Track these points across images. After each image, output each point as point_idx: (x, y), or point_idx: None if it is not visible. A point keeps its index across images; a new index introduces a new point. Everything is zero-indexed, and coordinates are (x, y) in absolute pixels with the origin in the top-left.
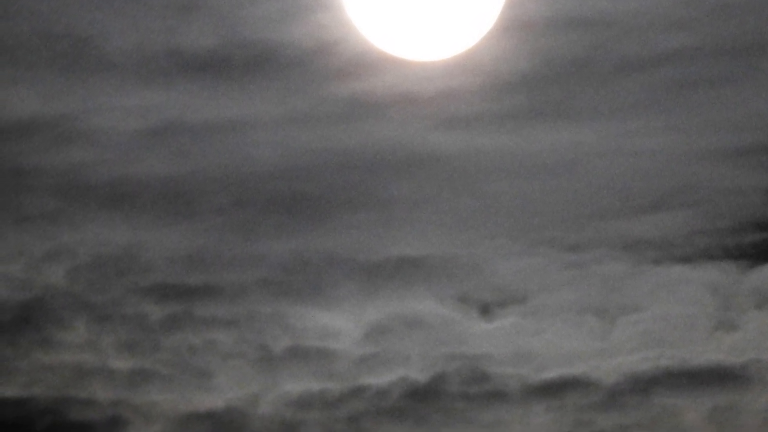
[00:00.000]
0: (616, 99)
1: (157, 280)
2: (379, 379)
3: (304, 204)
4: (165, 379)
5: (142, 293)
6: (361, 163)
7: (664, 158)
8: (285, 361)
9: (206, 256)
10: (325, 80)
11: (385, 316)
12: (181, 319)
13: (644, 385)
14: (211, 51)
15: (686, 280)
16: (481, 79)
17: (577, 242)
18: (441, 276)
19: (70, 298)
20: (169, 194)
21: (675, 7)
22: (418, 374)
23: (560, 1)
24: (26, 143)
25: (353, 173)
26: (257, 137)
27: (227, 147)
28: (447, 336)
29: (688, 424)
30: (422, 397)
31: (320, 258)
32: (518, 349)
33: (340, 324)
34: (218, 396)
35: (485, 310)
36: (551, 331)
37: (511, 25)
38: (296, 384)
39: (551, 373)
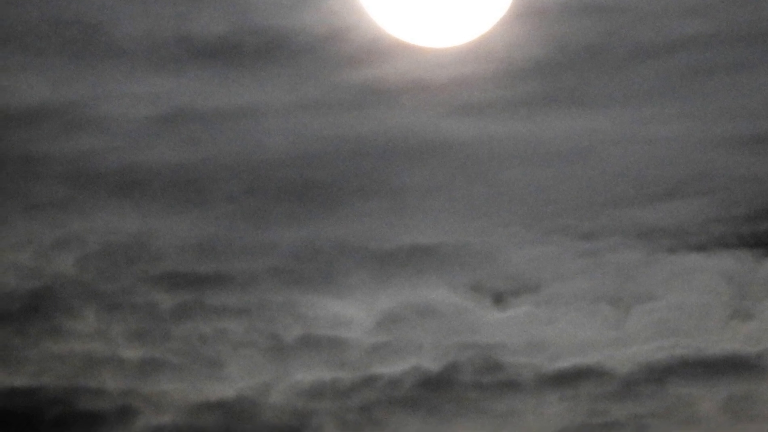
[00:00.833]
0: (631, 86)
1: (167, 268)
2: (391, 368)
3: (316, 192)
4: (175, 369)
5: (152, 282)
6: (373, 151)
7: (679, 145)
8: (296, 350)
9: (217, 244)
10: (337, 67)
11: (398, 305)
12: (191, 308)
13: (659, 374)
14: (221, 37)
15: (701, 269)
16: (494, 65)
17: (591, 230)
18: (454, 264)
19: (80, 286)
20: (180, 182)
21: None
22: (431, 363)
23: None
24: (35, 130)
25: (365, 161)
26: (268, 124)
27: (238, 134)
28: (460, 325)
29: (703, 413)
30: (435, 386)
31: (332, 246)
32: (532, 338)
33: (352, 313)
34: (229, 385)
35: (498, 299)
36: (565, 320)
37: (525, 11)
38: (308, 373)
39: (565, 363)
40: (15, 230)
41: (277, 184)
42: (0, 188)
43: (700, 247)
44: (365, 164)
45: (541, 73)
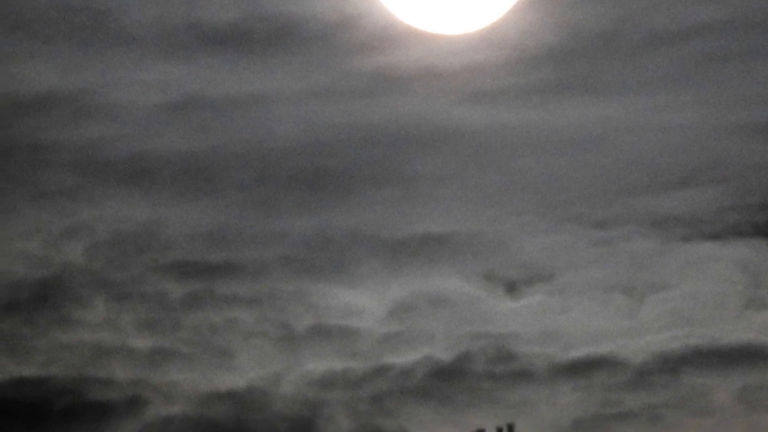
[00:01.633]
0: (645, 73)
1: (177, 257)
2: (403, 358)
3: (327, 180)
4: (185, 359)
5: (162, 271)
6: (385, 139)
7: (693, 133)
8: (307, 339)
9: (227, 233)
10: (349, 54)
11: (409, 294)
12: (201, 297)
13: (673, 364)
14: (232, 24)
15: (716, 258)
16: (506, 52)
17: (604, 219)
18: (466, 253)
19: (89, 275)
20: (190, 170)
21: None
22: (443, 353)
23: None
24: (44, 118)
25: (377, 148)
26: (279, 112)
27: (249, 122)
28: (472, 314)
29: (718, 403)
30: (447, 376)
31: (343, 235)
32: (545, 328)
33: (364, 302)
34: (240, 375)
35: (511, 288)
36: (578, 310)
37: None
38: (319, 363)
39: (578, 353)
40: (23, 219)
41: (288, 172)
42: (8, 176)
43: (715, 236)
44: (377, 152)
45: (554, 60)
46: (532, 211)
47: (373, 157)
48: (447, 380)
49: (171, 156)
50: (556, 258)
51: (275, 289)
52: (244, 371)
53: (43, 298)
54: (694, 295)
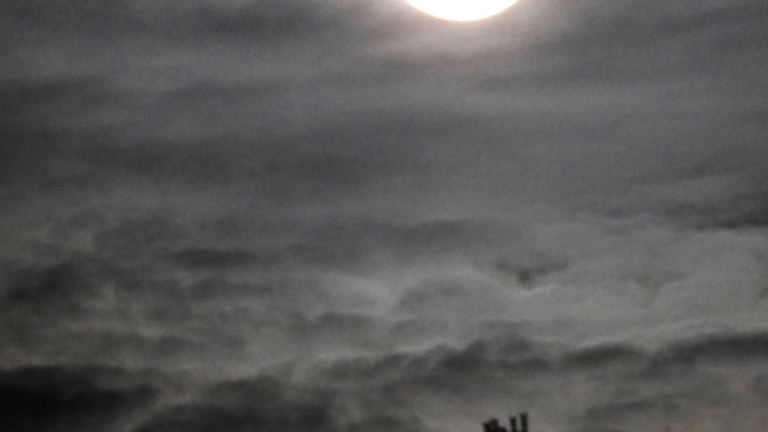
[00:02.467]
0: (659, 60)
1: (187, 245)
2: (416, 347)
3: (339, 168)
4: (196, 348)
5: (172, 259)
6: (397, 126)
7: (708, 120)
8: (319, 329)
9: (238, 221)
10: (360, 41)
11: (422, 283)
12: (212, 286)
13: (688, 353)
14: (243, 10)
15: (731, 246)
16: (519, 39)
17: (618, 207)
18: (479, 241)
19: (99, 264)
20: (200, 158)
21: None
22: (456, 342)
23: None
24: (53, 105)
25: (389, 136)
26: (290, 99)
27: (260, 109)
28: (485, 303)
29: (733, 393)
30: (460, 366)
31: (355, 223)
32: (558, 317)
33: (376, 291)
34: (250, 365)
35: (524, 277)
36: (592, 299)
37: None
38: (330, 352)
39: (592, 342)
40: (32, 207)
41: (299, 160)
42: (17, 164)
43: (730, 224)
44: (389, 140)
45: (568, 47)
46: (545, 199)
47: (385, 145)
48: (460, 370)
49: (181, 143)
50: (570, 246)
51: (286, 277)
52: (255, 360)
53: (52, 286)
54: (710, 283)
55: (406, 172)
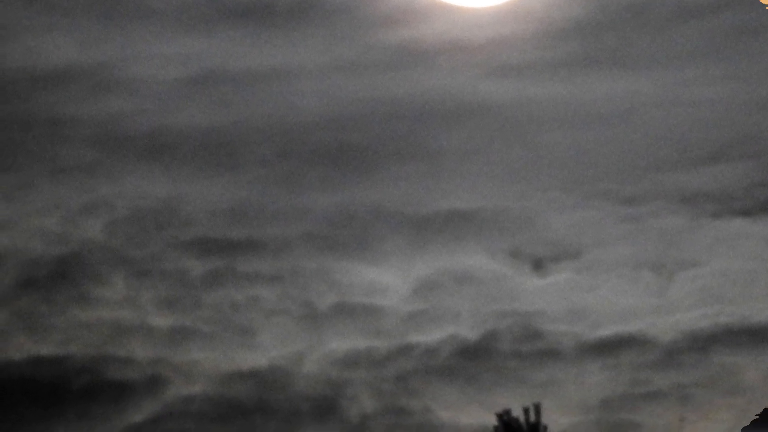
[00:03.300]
0: (674, 46)
1: (198, 234)
2: (428, 336)
3: (351, 155)
4: (206, 337)
5: (182, 248)
6: (410, 113)
7: (723, 108)
8: (330, 318)
9: (249, 209)
10: (372, 27)
11: (434, 272)
12: (222, 275)
13: (703, 343)
14: None
15: (746, 234)
16: (533, 25)
17: (633, 195)
18: (492, 230)
19: (108, 252)
20: (211, 145)
21: None
22: (469, 332)
23: None
24: (62, 92)
25: (401, 123)
26: (302, 86)
27: (271, 96)
28: (498, 292)
29: (748, 383)
30: (473, 355)
31: (367, 211)
32: (572, 306)
33: (388, 279)
34: (261, 354)
35: (538, 265)
36: (606, 287)
37: None
38: (342, 342)
39: (606, 331)
40: (42, 195)
41: (310, 147)
42: (26, 151)
43: (746, 212)
44: (401, 127)
45: (582, 33)
46: (559, 187)
47: (397, 132)
48: (472, 359)
49: (192, 131)
50: (584, 235)
51: (298, 266)
52: (265, 350)
53: (61, 275)
54: (725, 272)
55: (418, 160)
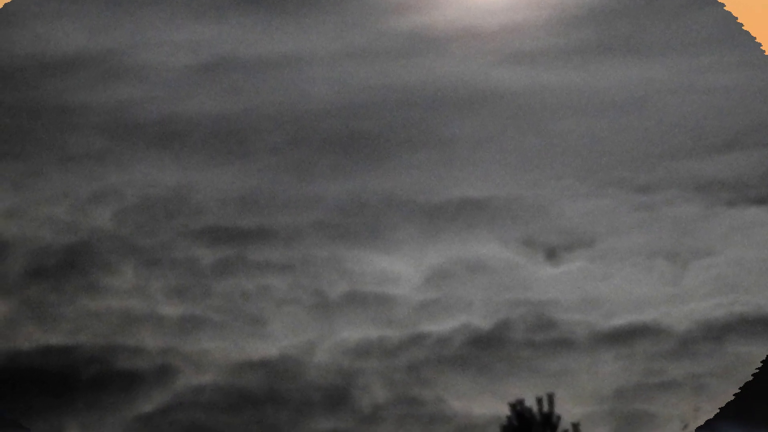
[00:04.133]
0: (689, 33)
1: (208, 222)
2: (440, 326)
3: (362, 143)
4: (216, 327)
5: (192, 236)
6: (422, 101)
7: (738, 95)
8: (342, 307)
9: (260, 197)
10: (384, 14)
11: (447, 260)
12: (233, 264)
13: (717, 332)
14: None
15: (762, 223)
16: (546, 12)
17: (647, 183)
18: (505, 218)
19: (118, 241)
20: (221, 133)
21: None
22: (481, 321)
23: None
24: (71, 79)
25: (413, 111)
26: (313, 73)
27: (282, 83)
28: (511, 281)
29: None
30: (485, 344)
31: (378, 199)
32: (586, 295)
33: (400, 268)
34: (272, 344)
35: (551, 254)
36: (620, 276)
37: None
38: (353, 331)
39: (620, 320)
40: (50, 183)
41: (321, 135)
42: (35, 139)
43: (761, 200)
44: (413, 114)
45: (595, 20)
46: (572, 175)
47: (409, 120)
48: (485, 349)
49: (202, 118)
50: (597, 223)
51: (309, 255)
52: (276, 339)
53: (71, 264)
54: (740, 261)
55: (430, 148)
